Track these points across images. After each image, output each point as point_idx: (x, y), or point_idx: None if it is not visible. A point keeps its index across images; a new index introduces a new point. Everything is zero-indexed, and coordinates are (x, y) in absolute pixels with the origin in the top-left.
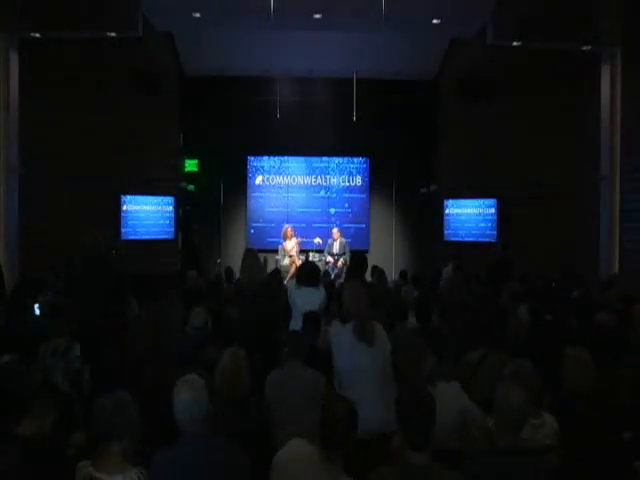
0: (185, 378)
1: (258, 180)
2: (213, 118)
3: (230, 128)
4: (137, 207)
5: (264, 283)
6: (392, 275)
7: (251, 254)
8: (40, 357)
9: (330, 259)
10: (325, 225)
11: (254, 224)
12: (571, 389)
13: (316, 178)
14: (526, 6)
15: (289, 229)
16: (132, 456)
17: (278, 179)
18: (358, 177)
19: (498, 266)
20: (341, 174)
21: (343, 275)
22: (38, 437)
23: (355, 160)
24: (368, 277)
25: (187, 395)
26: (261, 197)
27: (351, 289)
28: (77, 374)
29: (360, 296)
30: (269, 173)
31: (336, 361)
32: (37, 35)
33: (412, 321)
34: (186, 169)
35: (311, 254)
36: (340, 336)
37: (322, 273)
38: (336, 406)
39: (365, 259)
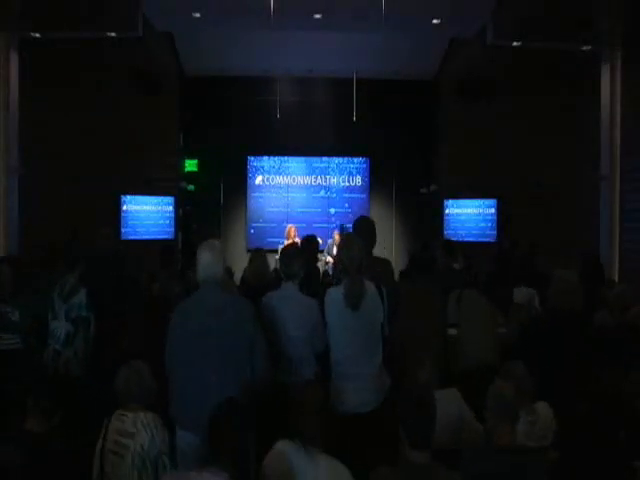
0: (207, 242)
1: (258, 180)
2: (213, 118)
3: (230, 128)
4: (137, 207)
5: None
6: None
7: (259, 254)
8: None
9: (330, 259)
10: (325, 225)
11: (254, 224)
12: (555, 307)
13: (316, 178)
14: (526, 6)
15: (292, 229)
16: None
17: (278, 179)
18: (358, 177)
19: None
20: (341, 174)
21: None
22: (45, 434)
23: (355, 160)
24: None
25: (207, 255)
26: (261, 197)
27: (346, 246)
28: (82, 320)
29: (354, 254)
30: (269, 173)
31: (326, 318)
32: (37, 35)
33: None
34: (186, 169)
35: None
36: (331, 295)
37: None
38: (303, 392)
39: None
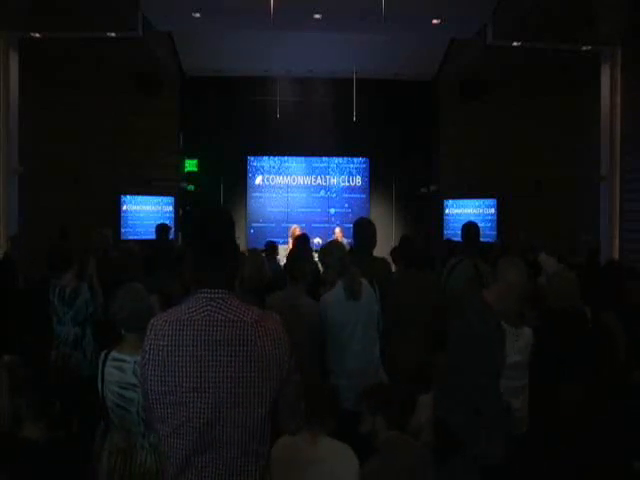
0: None
1: (258, 180)
2: (213, 118)
3: (230, 128)
4: (137, 207)
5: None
6: None
7: (257, 254)
8: (50, 302)
9: None
10: (325, 225)
11: (254, 224)
12: (553, 305)
13: (316, 178)
14: (526, 6)
15: (297, 230)
16: None
17: (278, 179)
18: (358, 177)
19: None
20: (341, 174)
21: None
22: (45, 440)
23: (355, 160)
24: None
25: None
26: (261, 197)
27: (330, 253)
28: (89, 318)
29: (342, 256)
30: (269, 173)
31: (328, 318)
32: (37, 35)
33: None
34: (186, 169)
35: None
36: (328, 298)
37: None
38: (316, 391)
39: None
